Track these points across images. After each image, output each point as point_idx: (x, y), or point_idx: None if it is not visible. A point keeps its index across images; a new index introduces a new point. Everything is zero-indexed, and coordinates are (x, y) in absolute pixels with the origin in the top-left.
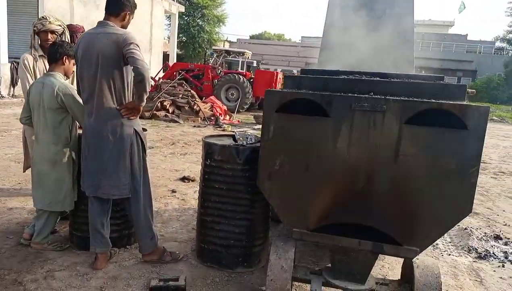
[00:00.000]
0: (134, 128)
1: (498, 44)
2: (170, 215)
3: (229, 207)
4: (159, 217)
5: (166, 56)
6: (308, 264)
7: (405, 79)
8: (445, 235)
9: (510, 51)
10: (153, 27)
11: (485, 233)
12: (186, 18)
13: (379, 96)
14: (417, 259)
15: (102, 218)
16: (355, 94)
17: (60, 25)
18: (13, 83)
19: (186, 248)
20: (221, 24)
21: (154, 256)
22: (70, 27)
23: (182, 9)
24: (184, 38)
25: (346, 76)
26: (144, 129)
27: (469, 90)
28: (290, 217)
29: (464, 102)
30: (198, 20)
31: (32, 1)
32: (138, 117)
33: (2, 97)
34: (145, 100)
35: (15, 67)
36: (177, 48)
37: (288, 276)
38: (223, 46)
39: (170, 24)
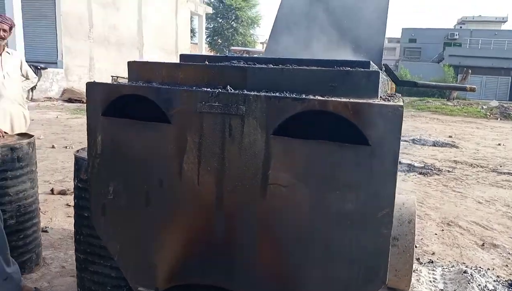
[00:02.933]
0: None
1: None
2: None
3: None
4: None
5: None
6: None
7: (296, 65)
8: (438, 278)
9: None
10: (178, 29)
11: (497, 276)
12: (220, 20)
13: (236, 91)
14: None
15: None
16: (207, 89)
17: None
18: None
19: None
20: (255, 25)
21: None
22: None
23: (210, 10)
24: (219, 40)
25: (208, 62)
26: None
27: (468, 86)
28: (133, 270)
29: (370, 101)
30: (232, 22)
31: (49, 4)
32: None
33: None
34: None
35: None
36: (213, 51)
37: None
38: (263, 48)
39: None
